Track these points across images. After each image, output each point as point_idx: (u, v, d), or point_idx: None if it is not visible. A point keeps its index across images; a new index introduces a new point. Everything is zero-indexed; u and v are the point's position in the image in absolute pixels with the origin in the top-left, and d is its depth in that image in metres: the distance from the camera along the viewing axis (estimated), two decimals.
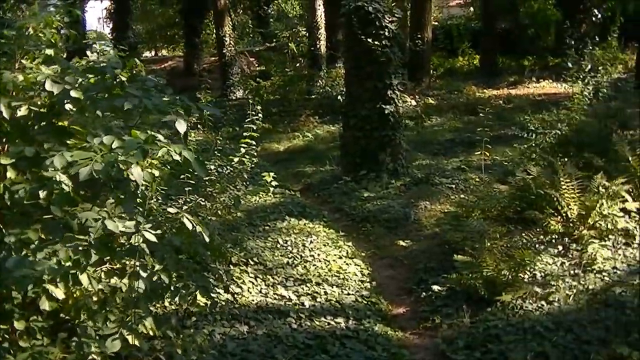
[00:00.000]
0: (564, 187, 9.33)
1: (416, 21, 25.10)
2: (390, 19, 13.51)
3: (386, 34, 13.44)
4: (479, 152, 13.23)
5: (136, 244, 5.22)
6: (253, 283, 8.45)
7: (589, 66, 13.86)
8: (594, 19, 26.82)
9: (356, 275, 9.33)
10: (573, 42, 17.55)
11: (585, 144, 11.30)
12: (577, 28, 25.36)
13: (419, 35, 24.51)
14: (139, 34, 35.29)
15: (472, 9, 34.05)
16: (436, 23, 32.70)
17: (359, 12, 13.40)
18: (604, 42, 26.39)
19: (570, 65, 14.40)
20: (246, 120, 11.41)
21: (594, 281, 8.12)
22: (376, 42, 13.33)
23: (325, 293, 8.48)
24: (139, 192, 5.39)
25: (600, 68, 13.88)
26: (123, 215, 5.10)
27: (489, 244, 8.48)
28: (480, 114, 16.67)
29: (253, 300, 8.03)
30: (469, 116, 19.15)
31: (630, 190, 9.75)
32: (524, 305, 7.76)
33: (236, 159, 10.89)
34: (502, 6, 29.24)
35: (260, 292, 8.29)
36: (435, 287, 8.66)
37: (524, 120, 14.41)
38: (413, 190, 12.74)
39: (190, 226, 5.29)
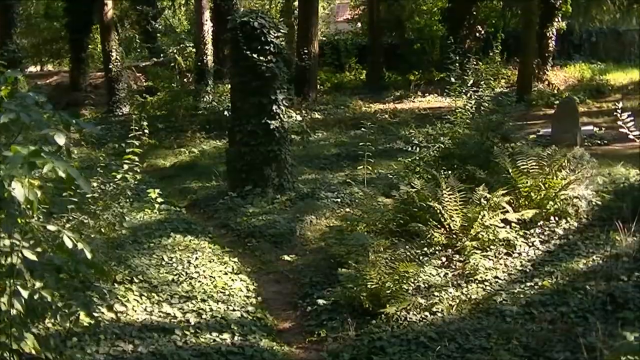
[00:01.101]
0: (446, 199, 9.49)
1: (303, 36, 25.24)
2: (275, 35, 13.53)
3: (271, 49, 13.45)
4: (364, 166, 13.35)
5: (15, 263, 5.08)
6: (138, 301, 8.29)
7: (471, 81, 14.13)
8: (477, 34, 27.45)
9: (242, 291, 9.27)
10: (457, 57, 17.85)
11: (468, 156, 11.53)
12: (461, 43, 25.95)
13: (306, 50, 24.67)
14: (23, 48, 34.44)
15: (359, 24, 34.37)
16: (324, 38, 32.95)
17: (244, 27, 13.37)
18: (488, 57, 27.03)
19: (452, 79, 14.65)
20: (129, 136, 11.27)
21: (476, 291, 8.28)
22: (261, 58, 13.33)
23: (211, 309, 8.39)
24: (20, 210, 5.24)
25: (482, 82, 14.10)
26: (2, 235, 4.97)
27: (372, 257, 8.53)
28: (365, 129, 16.83)
29: (138, 319, 7.89)
30: (355, 130, 19.33)
31: (511, 201, 10.00)
32: (408, 317, 7.85)
33: (119, 176, 10.69)
34: (388, 21, 29.68)
35: (145, 310, 8.15)
36: (321, 301, 8.67)
37: (409, 134, 14.59)
38: (299, 205, 12.77)
39: (70, 244, 5.17)
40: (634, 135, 11.70)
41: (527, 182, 10.17)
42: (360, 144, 13.41)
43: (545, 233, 9.65)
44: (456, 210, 9.44)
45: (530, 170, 10.32)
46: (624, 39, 32.65)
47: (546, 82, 25.41)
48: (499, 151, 10.80)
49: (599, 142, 16.54)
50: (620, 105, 11.91)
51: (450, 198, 9.49)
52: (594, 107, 22.25)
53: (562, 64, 28.68)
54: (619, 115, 11.80)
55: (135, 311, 8.07)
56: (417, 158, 12.20)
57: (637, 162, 11.86)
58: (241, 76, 13.74)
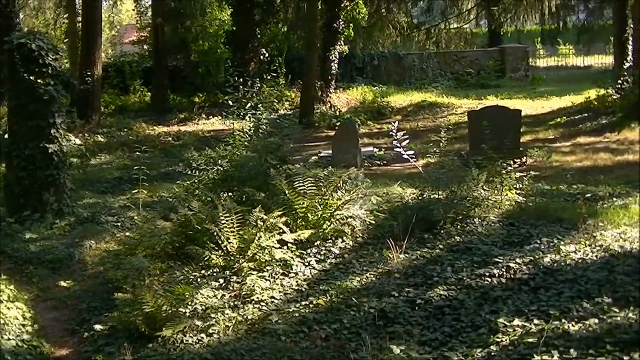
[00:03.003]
0: (223, 222, 9.53)
1: (87, 58, 24.78)
2: (54, 57, 13.21)
3: (50, 72, 13.11)
4: (145, 190, 13.22)
5: None
6: None
7: (249, 104, 14.31)
8: (262, 57, 27.79)
9: (17, 319, 8.92)
10: (240, 80, 18.02)
11: (247, 179, 11.66)
12: (246, 66, 26.21)
13: (89, 73, 24.21)
14: None
15: (146, 46, 34.09)
16: (109, 60, 32.51)
17: (22, 49, 12.97)
18: (272, 80, 27.45)
19: (230, 102, 14.79)
20: None
21: (252, 312, 8.33)
22: (39, 80, 12.96)
23: None
24: None
25: (260, 106, 14.31)
26: None
27: (149, 281, 8.45)
28: (148, 152, 16.70)
29: None
30: (138, 154, 19.11)
31: (288, 222, 10.15)
32: (185, 339, 7.80)
33: None
34: (174, 44, 29.58)
35: None
36: (98, 327, 8.48)
37: (191, 157, 14.59)
38: (79, 230, 12.48)
39: None
40: (408, 156, 12.20)
41: (303, 204, 10.37)
42: (136, 167, 13.29)
43: (322, 253, 9.84)
44: (233, 232, 9.49)
45: (308, 192, 10.53)
46: (404, 63, 33.94)
47: (329, 105, 26.01)
48: (276, 173, 10.96)
49: (379, 162, 17.10)
50: (395, 126, 12.41)
51: (227, 220, 9.53)
52: (375, 128, 23.00)
53: (346, 87, 29.52)
54: (394, 136, 12.30)
55: None
56: (197, 181, 12.21)
57: (413, 182, 12.30)
58: (19, 99, 13.30)
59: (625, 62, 25.02)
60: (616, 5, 26.97)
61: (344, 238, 10.22)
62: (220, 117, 24.10)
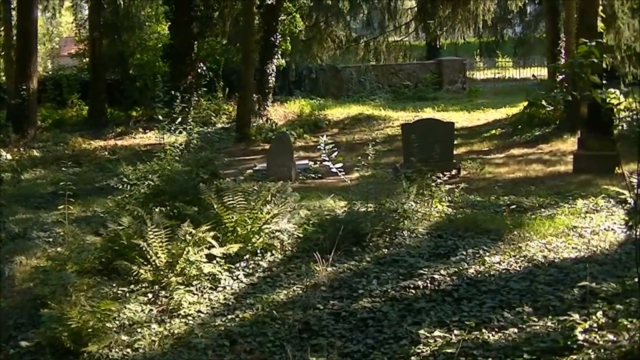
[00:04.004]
0: (152, 236, 9.53)
1: (21, 72, 24.58)
2: None
3: None
4: (79, 204, 13.14)
5: None
6: None
7: (179, 118, 14.32)
8: (199, 71, 27.74)
9: None
10: (177, 94, 17.99)
11: (178, 193, 11.65)
12: (183, 80, 26.18)
13: (24, 87, 24.00)
14: None
15: (84, 59, 33.79)
16: (46, 73, 32.23)
17: None
18: (210, 94, 27.48)
19: (160, 117, 14.78)
20: None
21: (179, 326, 8.35)
22: None
23: None
24: None
25: (190, 120, 14.32)
26: None
27: (75, 296, 8.43)
28: (84, 166, 16.62)
29: None
30: (74, 168, 18.96)
31: (217, 236, 10.18)
32: (110, 354, 7.79)
33: None
34: (111, 57, 29.45)
35: None
36: (24, 343, 8.43)
37: (125, 171, 14.52)
38: (9, 246, 12.34)
39: None
40: (336, 169, 12.31)
41: (232, 217, 10.41)
42: (68, 182, 13.19)
43: (250, 266, 9.89)
44: (161, 247, 9.49)
45: (237, 206, 10.57)
46: (342, 76, 34.11)
47: (265, 118, 26.07)
48: (205, 187, 10.99)
49: (313, 175, 17.17)
50: (323, 139, 12.52)
51: (155, 235, 9.53)
52: (312, 141, 23.09)
53: (283, 100, 29.56)
54: (322, 149, 12.41)
55: None
56: (128, 196, 12.18)
57: (346, 195, 12.40)
58: None
59: (557, 74, 25.44)
60: (549, 18, 27.44)
61: (273, 251, 10.28)
62: (156, 131, 24.06)
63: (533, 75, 35.51)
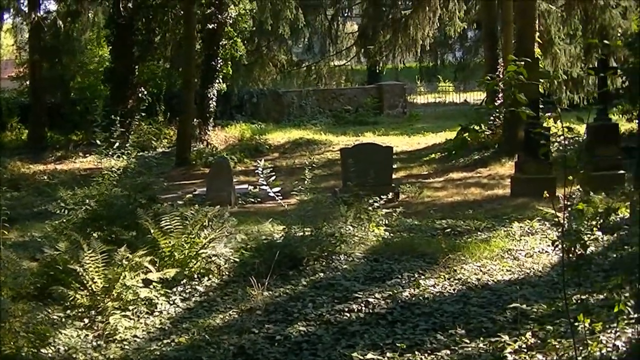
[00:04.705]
0: (88, 261, 9.50)
1: None
2: None
3: None
4: (16, 229, 13.05)
5: None
6: None
7: (117, 142, 14.29)
8: (140, 95, 27.65)
9: None
10: (118, 118, 17.92)
11: (115, 218, 11.66)
12: (124, 103, 26.10)
13: None
14: None
15: (24, 82, 33.46)
16: None
17: None
18: (151, 118, 27.42)
19: (98, 142, 14.75)
20: None
21: (114, 351, 8.33)
22: None
23: None
24: None
25: (128, 145, 14.32)
26: None
27: (9, 322, 8.38)
28: (22, 190, 16.50)
29: None
30: (12, 192, 18.82)
31: (154, 260, 10.18)
32: None
33: None
34: (52, 80, 29.25)
35: None
36: None
37: (64, 196, 14.44)
38: None
39: None
40: (273, 193, 12.40)
41: (169, 242, 10.42)
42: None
43: (187, 291, 9.90)
44: (98, 272, 9.47)
45: (174, 230, 10.59)
46: (283, 100, 34.22)
47: (206, 142, 26.08)
48: (142, 212, 10.99)
49: (252, 200, 17.23)
50: (260, 164, 12.60)
51: (92, 260, 9.51)
52: (252, 166, 23.11)
53: (224, 124, 29.56)
54: (259, 174, 12.49)
55: None
56: (65, 220, 12.13)
57: (284, 219, 12.46)
58: None
59: (496, 99, 25.83)
60: (487, 44, 27.85)
61: (210, 276, 10.30)
62: (96, 156, 23.95)
63: (465, 100, 36.06)
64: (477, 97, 38.24)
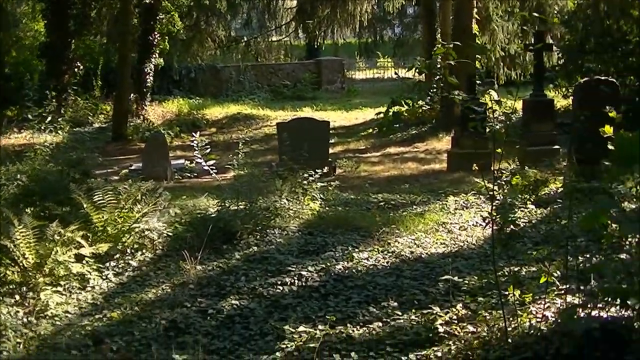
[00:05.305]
0: (19, 237, 9.37)
1: None
2: None
3: None
4: None
5: None
6: None
7: (49, 117, 14.12)
8: (76, 70, 27.30)
9: None
10: (53, 93, 17.71)
11: (49, 193, 11.52)
12: (60, 78, 25.75)
13: None
14: None
15: None
16: None
17: None
18: (88, 93, 27.11)
19: (30, 116, 14.55)
20: None
21: (45, 327, 8.24)
22: None
23: None
24: None
25: (60, 119, 14.13)
26: None
27: None
28: None
29: None
30: None
31: (87, 235, 10.08)
32: None
33: None
34: None
35: None
36: None
37: None
38: None
39: None
40: (208, 167, 12.35)
41: (102, 217, 10.32)
42: None
43: (120, 266, 9.81)
44: (29, 247, 9.34)
45: (107, 205, 10.50)
46: (221, 75, 34.05)
47: (143, 118, 25.87)
48: (75, 187, 10.88)
49: (189, 175, 17.10)
50: (196, 137, 12.53)
51: (23, 235, 9.38)
52: (189, 141, 22.91)
53: (162, 99, 29.34)
54: (195, 148, 12.42)
55: None
56: None
57: (220, 194, 12.40)
58: None
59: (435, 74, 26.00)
60: (425, 20, 28.00)
61: (144, 250, 10.23)
62: (32, 131, 23.64)
63: (396, 74, 36.12)
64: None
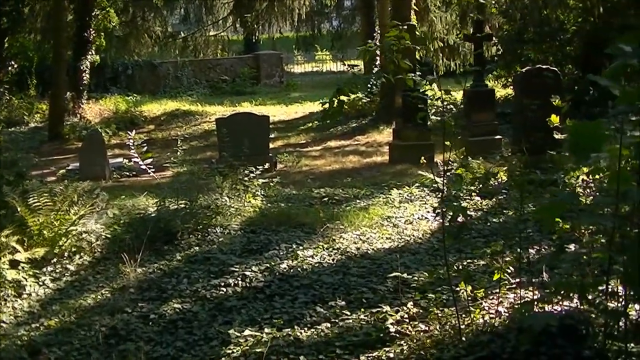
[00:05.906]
0: None
1: None
2: None
3: None
4: None
5: None
6: None
7: None
8: (10, 68, 26.70)
9: None
10: None
11: None
12: None
13: None
14: None
15: None
16: None
17: None
18: (23, 92, 26.59)
19: None
20: None
21: None
22: None
23: None
24: None
25: None
26: None
27: None
28: None
29: None
30: None
31: (23, 240, 9.75)
32: None
33: None
34: None
35: None
36: None
37: None
38: None
39: None
40: (145, 165, 12.06)
41: (38, 220, 9.99)
42: None
43: (58, 270, 9.49)
44: None
45: (43, 207, 10.17)
46: (159, 72, 33.63)
47: (80, 116, 25.40)
48: (9, 190, 10.52)
49: (128, 173, 16.81)
50: (132, 135, 12.24)
51: None
52: (127, 139, 22.57)
53: (99, 97, 28.83)
54: (130, 146, 12.13)
55: None
56: None
57: (160, 192, 12.12)
58: None
59: (374, 66, 25.90)
60: (363, 12, 27.92)
61: (82, 254, 9.91)
62: None
63: (348, 65, 35.97)
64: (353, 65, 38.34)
